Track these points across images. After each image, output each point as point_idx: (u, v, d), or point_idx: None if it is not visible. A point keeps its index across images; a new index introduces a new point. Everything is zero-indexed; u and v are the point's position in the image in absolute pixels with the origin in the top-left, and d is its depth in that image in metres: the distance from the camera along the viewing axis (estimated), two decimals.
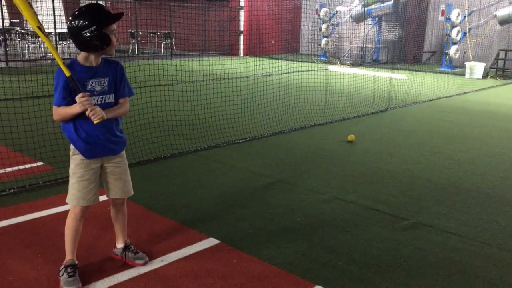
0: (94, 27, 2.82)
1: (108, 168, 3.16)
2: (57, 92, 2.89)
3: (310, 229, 4.00)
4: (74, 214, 3.13)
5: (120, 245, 3.42)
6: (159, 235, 3.79)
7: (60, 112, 2.90)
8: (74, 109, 2.86)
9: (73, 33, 2.86)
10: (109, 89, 3.02)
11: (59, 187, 4.75)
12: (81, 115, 2.91)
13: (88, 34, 2.82)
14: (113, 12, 2.97)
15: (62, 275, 3.08)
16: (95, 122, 2.87)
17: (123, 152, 3.25)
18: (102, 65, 3.02)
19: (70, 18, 2.89)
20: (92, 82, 2.94)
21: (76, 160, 3.06)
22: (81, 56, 2.96)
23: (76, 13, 2.87)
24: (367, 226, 4.08)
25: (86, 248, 3.54)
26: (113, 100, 3.05)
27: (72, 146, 3.06)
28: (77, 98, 2.82)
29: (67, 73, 2.81)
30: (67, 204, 3.17)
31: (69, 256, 3.17)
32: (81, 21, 2.83)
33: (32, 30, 18.07)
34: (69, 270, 3.09)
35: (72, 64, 2.90)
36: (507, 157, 6.31)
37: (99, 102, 2.97)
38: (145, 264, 3.34)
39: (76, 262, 3.18)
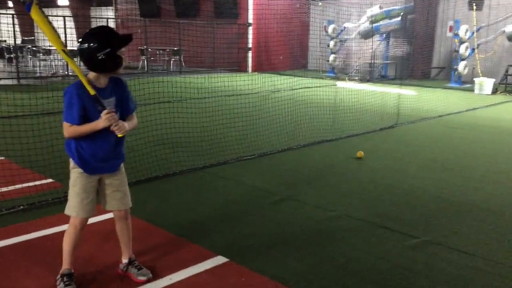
0: (109, 49, 2.89)
1: (106, 180, 3.21)
2: (73, 111, 2.94)
3: (319, 246, 3.97)
4: (74, 226, 3.17)
5: (125, 260, 3.42)
6: (167, 252, 3.78)
7: (76, 129, 2.96)
8: (97, 125, 2.94)
9: (86, 55, 2.93)
10: (115, 108, 3.09)
11: None
12: (88, 135, 2.99)
13: (102, 56, 2.89)
14: (123, 31, 3.04)
15: (59, 284, 3.13)
16: (119, 135, 3.01)
17: (122, 165, 3.30)
18: (110, 85, 3.09)
19: (81, 39, 2.96)
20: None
21: (76, 173, 3.12)
22: (91, 76, 3.02)
23: (89, 35, 2.94)
24: (377, 244, 4.04)
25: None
26: (119, 118, 3.11)
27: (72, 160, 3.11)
28: (102, 114, 2.92)
29: (91, 92, 2.91)
30: None
31: (65, 265, 3.21)
32: (95, 43, 2.90)
33: (43, 47, 18.34)
34: (65, 279, 3.14)
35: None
36: None
37: None
38: (147, 281, 3.31)
39: (72, 271, 3.21)
